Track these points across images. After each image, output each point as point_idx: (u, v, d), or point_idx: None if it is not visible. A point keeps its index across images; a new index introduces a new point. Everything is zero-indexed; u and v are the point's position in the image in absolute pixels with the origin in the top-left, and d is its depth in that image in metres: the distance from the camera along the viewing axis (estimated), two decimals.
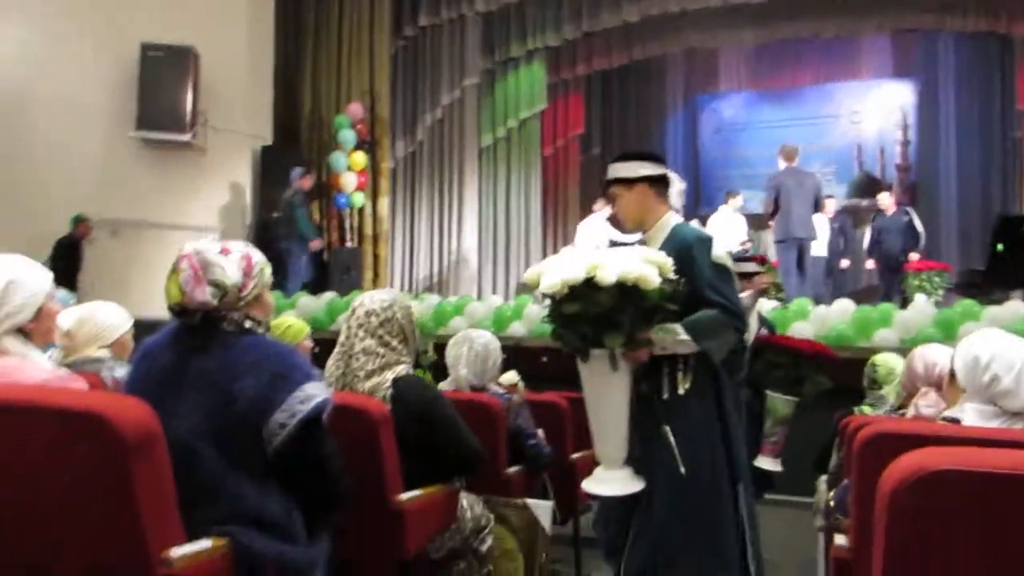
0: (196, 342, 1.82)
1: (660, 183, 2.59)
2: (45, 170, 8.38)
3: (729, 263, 2.48)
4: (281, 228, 8.67)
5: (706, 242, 2.47)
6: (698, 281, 2.37)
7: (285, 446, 1.73)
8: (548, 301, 2.25)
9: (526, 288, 11.28)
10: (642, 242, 2.59)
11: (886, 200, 9.06)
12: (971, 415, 1.90)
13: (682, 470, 2.32)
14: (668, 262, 2.23)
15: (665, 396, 2.39)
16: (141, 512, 1.51)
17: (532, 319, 6.93)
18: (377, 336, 2.47)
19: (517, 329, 6.89)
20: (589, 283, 2.09)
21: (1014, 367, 1.86)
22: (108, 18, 8.57)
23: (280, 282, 8.34)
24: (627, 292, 2.11)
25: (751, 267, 4.02)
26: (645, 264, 2.14)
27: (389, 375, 2.45)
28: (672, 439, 2.33)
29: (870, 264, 9.25)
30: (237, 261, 1.85)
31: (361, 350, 2.46)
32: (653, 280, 2.12)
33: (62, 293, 3.33)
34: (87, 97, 8.54)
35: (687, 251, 2.40)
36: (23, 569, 1.63)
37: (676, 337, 2.29)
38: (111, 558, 1.56)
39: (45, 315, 2.02)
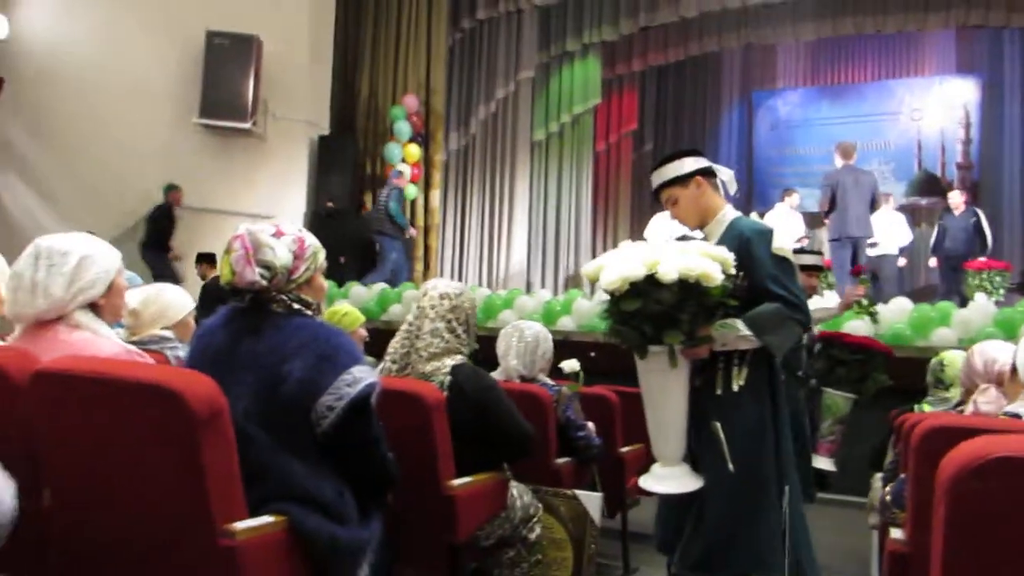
0: (248, 323, 1.85)
1: (711, 175, 2.55)
2: (114, 154, 8.69)
3: (790, 255, 2.41)
4: (375, 222, 8.92)
5: (766, 234, 2.42)
6: (758, 273, 2.32)
7: (333, 428, 1.75)
8: (605, 296, 2.23)
9: (575, 282, 11.35)
10: (702, 238, 2.55)
11: (956, 199, 8.82)
12: None
13: (731, 468, 2.29)
14: (730, 258, 2.19)
15: (719, 392, 2.35)
16: (207, 484, 1.56)
17: (581, 313, 6.93)
18: (446, 320, 2.52)
19: (566, 323, 6.90)
20: (650, 279, 2.07)
21: None
22: (176, 6, 8.81)
23: (357, 271, 8.68)
24: (688, 289, 2.07)
25: (812, 259, 3.93)
26: (707, 260, 2.10)
27: (448, 361, 2.49)
28: (723, 436, 2.30)
29: (933, 263, 9.05)
30: (289, 243, 1.87)
31: (429, 331, 2.51)
32: (715, 277, 2.09)
33: (129, 274, 3.44)
34: (154, 84, 8.81)
35: (746, 243, 2.35)
36: (94, 533, 1.70)
37: (738, 333, 2.25)
38: (177, 527, 1.62)
39: (115, 291, 2.08)
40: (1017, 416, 1.90)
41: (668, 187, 2.52)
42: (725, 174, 2.58)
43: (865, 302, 3.88)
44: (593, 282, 2.24)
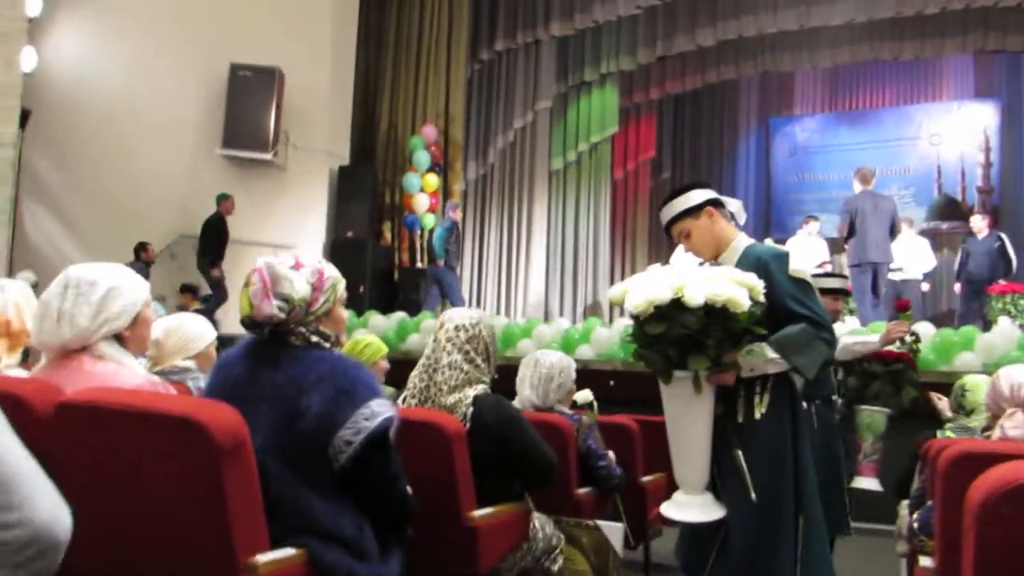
0: (267, 355, 1.84)
1: (720, 206, 2.53)
2: (138, 185, 8.82)
3: (808, 276, 2.37)
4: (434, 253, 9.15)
5: (782, 256, 2.39)
6: (779, 295, 2.29)
7: (351, 463, 1.73)
8: (627, 322, 2.22)
9: (594, 310, 11.32)
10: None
11: (978, 223, 8.75)
12: None
13: (752, 497, 2.24)
14: (759, 284, 2.16)
15: (740, 419, 2.31)
16: (230, 516, 1.56)
17: (600, 342, 6.91)
18: (464, 351, 2.51)
19: (585, 352, 6.88)
20: (676, 303, 2.04)
21: None
22: (201, 39, 8.98)
23: (377, 301, 8.73)
24: (715, 314, 2.05)
25: (837, 283, 3.89)
26: (734, 286, 2.07)
27: (470, 392, 2.48)
28: (744, 464, 2.26)
29: (957, 287, 8.97)
30: (307, 275, 1.86)
31: (447, 364, 2.50)
32: (743, 303, 2.06)
33: (154, 304, 3.46)
34: (179, 115, 8.96)
35: (764, 267, 2.32)
36: (117, 564, 1.70)
37: (766, 358, 2.21)
38: (200, 559, 1.62)
39: (141, 323, 2.09)
40: None
41: (680, 220, 2.51)
42: (733, 205, 2.57)
43: (909, 339, 3.81)
44: (618, 306, 2.22)
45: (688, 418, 2.20)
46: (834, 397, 3.73)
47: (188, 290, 8.18)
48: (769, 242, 9.35)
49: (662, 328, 2.04)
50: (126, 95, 8.92)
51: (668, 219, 2.53)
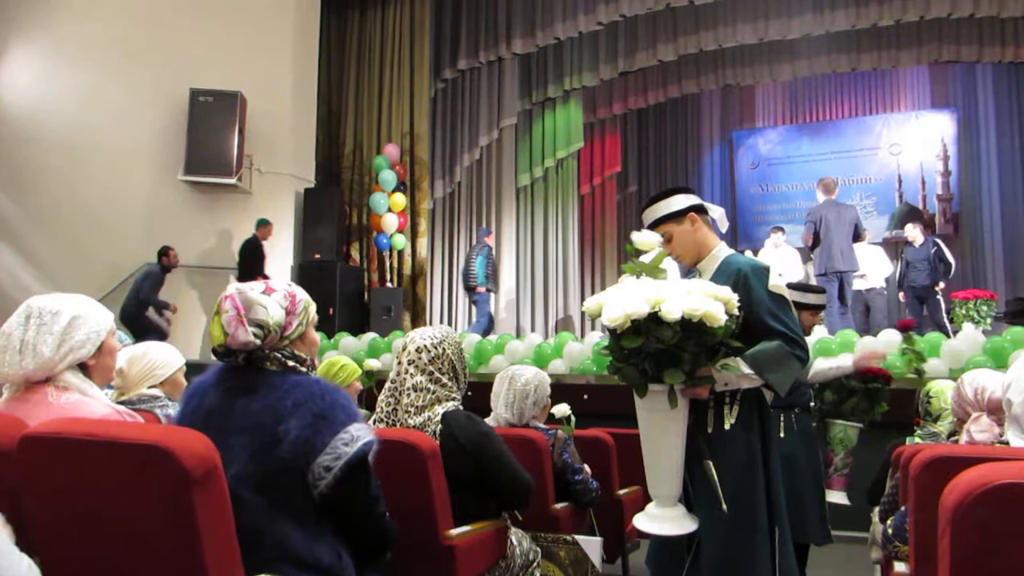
0: (241, 382, 1.81)
1: (703, 212, 2.53)
2: (99, 214, 8.68)
3: (786, 292, 2.38)
4: (468, 278, 9.53)
5: (763, 271, 2.40)
6: (757, 310, 2.30)
7: (331, 489, 1.70)
8: (598, 335, 2.21)
9: (565, 324, 11.35)
10: (696, 274, 2.53)
11: (912, 231, 9.00)
12: (1014, 442, 1.86)
13: (724, 507, 2.23)
14: (734, 298, 2.15)
15: (710, 430, 2.31)
16: (203, 546, 1.53)
17: (572, 356, 6.92)
18: (427, 372, 2.48)
19: (558, 366, 6.88)
20: (653, 317, 2.02)
21: None
22: (159, 65, 8.91)
23: (346, 323, 8.80)
24: (691, 328, 2.04)
25: (817, 299, 3.93)
26: (711, 300, 2.06)
27: (439, 410, 2.46)
28: (715, 475, 2.25)
29: (901, 296, 9.15)
30: (280, 299, 1.84)
31: (411, 386, 2.48)
32: (719, 318, 2.05)
33: (119, 334, 3.41)
34: (138, 141, 8.86)
35: (744, 280, 2.33)
36: None
37: (739, 372, 2.21)
38: None
39: (106, 352, 2.05)
40: (1007, 444, 1.90)
41: (662, 224, 2.50)
42: (716, 212, 2.58)
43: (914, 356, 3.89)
44: (594, 318, 2.20)
45: (662, 431, 2.19)
46: (812, 404, 3.77)
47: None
48: (749, 254, 9.52)
49: (639, 342, 2.02)
50: (84, 124, 8.80)
51: (650, 222, 2.52)
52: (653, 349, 2.04)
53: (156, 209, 8.78)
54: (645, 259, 2.30)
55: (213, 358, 1.91)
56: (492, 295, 9.89)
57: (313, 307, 1.94)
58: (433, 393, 2.47)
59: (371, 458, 1.80)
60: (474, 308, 9.73)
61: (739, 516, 2.26)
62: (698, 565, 2.30)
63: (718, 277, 2.41)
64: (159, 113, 8.86)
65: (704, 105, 14.02)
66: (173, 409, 2.71)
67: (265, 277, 8.06)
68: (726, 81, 12.17)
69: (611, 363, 2.18)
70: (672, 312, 2.00)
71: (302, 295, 1.91)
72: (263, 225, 8.52)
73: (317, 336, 1.98)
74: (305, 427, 1.71)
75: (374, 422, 2.55)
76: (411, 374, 2.49)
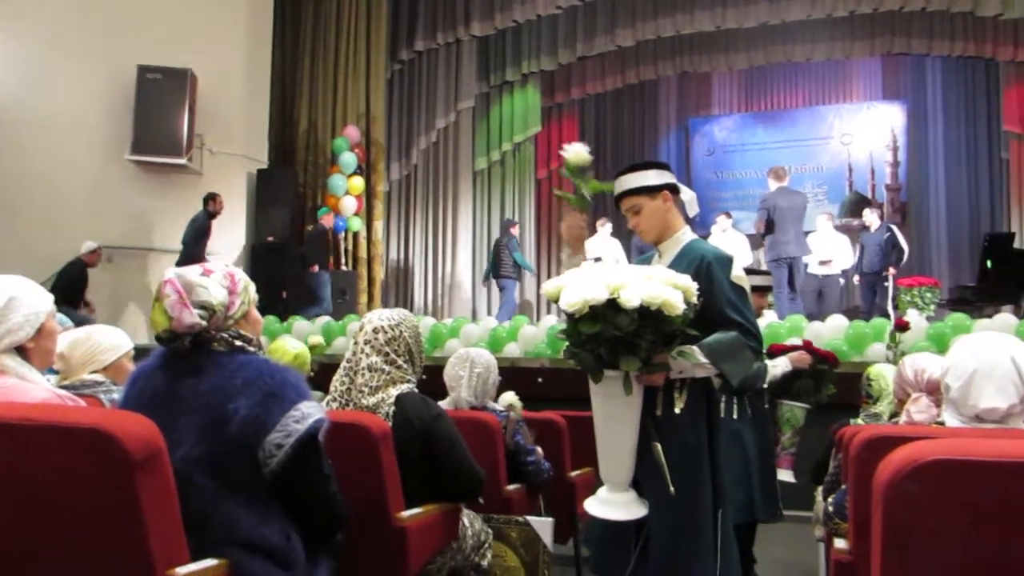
0: (188, 365, 1.78)
1: (676, 192, 2.52)
2: (44, 193, 8.40)
3: (747, 284, 2.38)
4: (501, 267, 9.78)
5: (727, 260, 2.39)
6: (717, 299, 2.30)
7: (281, 467, 1.69)
8: (563, 317, 2.17)
9: (521, 308, 11.41)
10: (657, 254, 2.53)
11: (869, 217, 9.17)
12: (949, 422, 1.92)
13: (671, 490, 2.24)
14: (693, 287, 2.14)
15: (658, 413, 2.32)
16: (147, 529, 1.50)
17: (527, 340, 6.94)
18: (383, 353, 2.48)
19: (512, 350, 6.90)
20: (611, 304, 2.01)
21: (962, 376, 1.87)
22: (106, 40, 8.63)
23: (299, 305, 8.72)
24: (649, 316, 2.02)
25: (763, 280, 4.01)
26: (670, 288, 2.05)
27: (393, 391, 2.46)
28: (663, 458, 2.26)
29: (856, 279, 9.34)
30: (220, 280, 1.83)
31: (366, 366, 2.47)
32: (678, 306, 2.04)
33: (60, 316, 3.32)
34: (83, 119, 8.58)
35: (707, 268, 2.33)
36: None
37: (696, 361, 2.21)
38: (117, 574, 1.56)
39: (46, 334, 2.00)
40: (943, 424, 1.96)
41: (634, 195, 2.46)
42: (688, 195, 2.58)
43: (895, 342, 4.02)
44: (552, 301, 2.18)
45: (616, 417, 2.19)
46: (765, 385, 3.86)
47: None
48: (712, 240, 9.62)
49: (596, 328, 2.01)
50: (26, 100, 8.50)
51: (623, 190, 2.48)
52: (610, 335, 2.03)
53: (102, 189, 8.54)
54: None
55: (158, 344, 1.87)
56: (516, 283, 10.14)
57: (252, 287, 1.93)
58: (388, 374, 2.47)
59: (322, 436, 1.79)
60: (500, 294, 10.09)
61: (688, 499, 2.28)
62: (646, 548, 2.32)
63: (679, 261, 2.41)
64: (105, 90, 8.59)
65: (661, 92, 14.10)
66: (119, 394, 2.65)
67: (202, 258, 7.92)
68: (683, 68, 12.26)
69: (567, 348, 2.17)
70: (631, 299, 1.99)
71: (241, 275, 1.90)
72: (212, 198, 8.22)
73: (259, 316, 1.97)
74: (255, 405, 1.70)
75: (328, 402, 2.54)
76: (367, 354, 2.48)
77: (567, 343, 2.18)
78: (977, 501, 1.12)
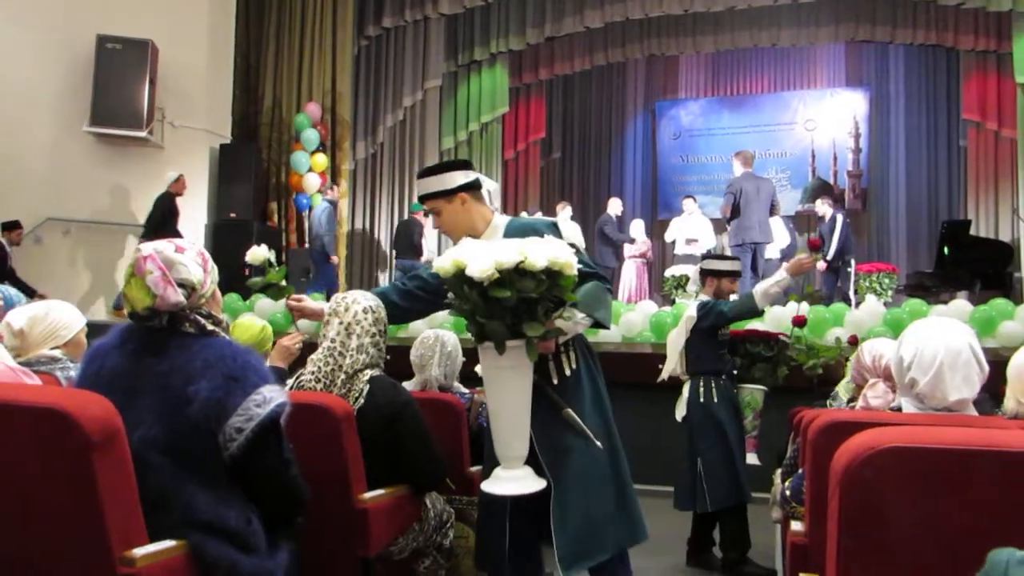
0: (150, 344, 1.76)
1: (476, 189, 2.57)
2: None
3: (579, 242, 2.49)
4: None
5: (555, 225, 2.52)
6: None
7: (241, 451, 1.68)
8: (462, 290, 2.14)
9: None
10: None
11: (821, 207, 9.36)
12: (907, 409, 1.96)
13: (599, 444, 2.33)
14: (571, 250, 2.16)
15: (555, 381, 2.38)
16: (104, 510, 1.49)
17: None
18: (371, 335, 2.51)
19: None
20: (516, 268, 2.00)
21: (930, 370, 1.89)
22: (64, 8, 8.39)
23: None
24: (550, 278, 2.04)
25: (732, 265, 4.07)
26: (565, 249, 2.07)
27: (368, 373, 2.49)
28: (577, 418, 2.33)
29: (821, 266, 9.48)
30: (195, 258, 1.83)
31: (356, 347, 2.48)
32: (575, 267, 2.08)
33: (13, 291, 3.26)
34: (39, 89, 8.35)
35: (539, 235, 2.30)
36: None
37: (575, 319, 2.28)
38: (73, 556, 1.54)
39: None
40: (899, 410, 1.99)
41: (432, 199, 2.54)
42: (491, 185, 2.65)
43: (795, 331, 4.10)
44: (446, 276, 2.13)
45: (512, 390, 2.16)
46: (735, 372, 3.96)
47: (12, 227, 7.75)
48: (676, 224, 9.70)
49: (507, 293, 1.98)
50: None
51: (421, 194, 2.58)
52: (514, 302, 2.01)
53: (59, 161, 8.33)
54: None
55: (115, 319, 1.84)
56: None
57: (216, 267, 1.93)
58: (371, 356, 2.51)
59: (283, 420, 1.79)
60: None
61: (608, 450, 2.39)
62: (568, 517, 2.32)
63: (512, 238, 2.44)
64: (63, 59, 8.36)
65: (629, 74, 14.10)
66: (75, 371, 2.61)
67: (178, 235, 7.80)
68: (651, 51, 12.26)
69: (472, 322, 2.13)
70: (538, 261, 1.99)
71: (208, 254, 1.90)
72: (176, 180, 8.09)
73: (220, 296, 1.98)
74: (216, 388, 1.68)
75: (302, 384, 2.50)
76: (357, 335, 2.48)
77: (473, 316, 2.11)
78: (932, 487, 1.16)
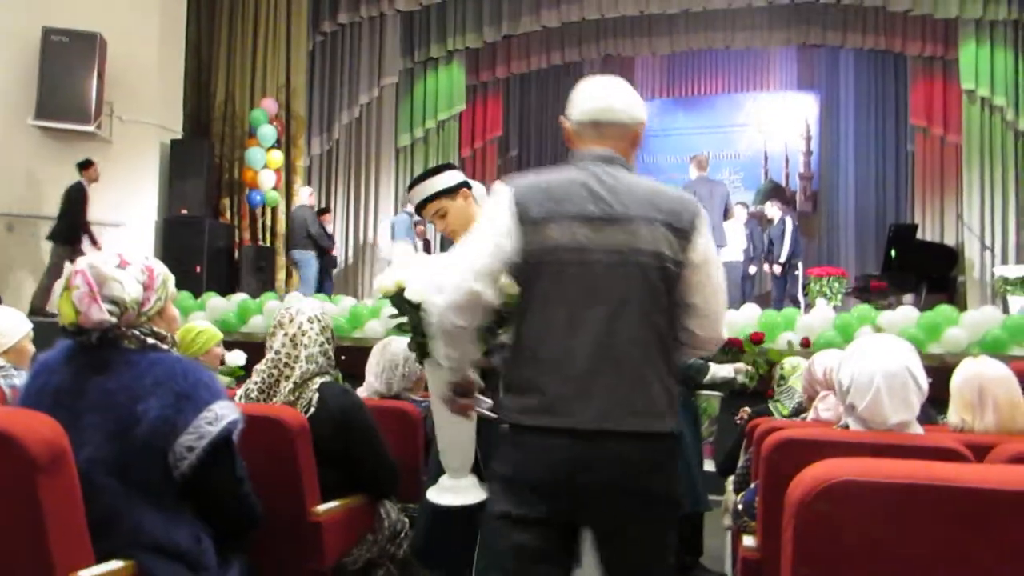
0: (95, 361, 1.71)
1: (469, 188, 2.59)
2: None
3: None
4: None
5: None
6: None
7: (192, 470, 1.65)
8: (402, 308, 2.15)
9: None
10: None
11: (771, 210, 9.53)
12: (854, 427, 1.99)
13: None
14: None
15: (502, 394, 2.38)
16: (48, 532, 1.46)
17: None
18: (319, 344, 2.49)
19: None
20: None
21: (867, 394, 1.92)
22: (7, 0, 8.14)
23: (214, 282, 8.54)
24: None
25: None
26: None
27: (319, 380, 2.47)
28: None
29: (767, 269, 9.64)
30: (136, 274, 1.75)
31: (305, 357, 2.46)
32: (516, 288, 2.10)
33: None
34: None
35: None
36: None
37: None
38: None
39: None
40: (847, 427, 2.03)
41: (436, 200, 2.52)
42: (479, 188, 2.65)
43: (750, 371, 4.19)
44: (387, 296, 2.12)
45: None
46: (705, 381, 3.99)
47: None
48: None
49: None
50: None
51: (424, 196, 2.53)
52: None
53: (4, 155, 8.09)
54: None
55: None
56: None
57: (172, 281, 1.86)
58: (320, 365, 2.49)
59: (236, 437, 1.75)
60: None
61: None
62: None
63: None
64: (7, 51, 8.12)
65: (586, 74, 13.86)
66: (20, 379, 2.55)
67: (86, 225, 7.59)
68: (607, 51, 12.32)
69: (412, 339, 2.15)
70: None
71: (160, 268, 1.83)
72: (87, 166, 7.74)
73: (176, 312, 1.91)
74: (166, 406, 1.64)
75: (246, 393, 2.48)
76: (305, 345, 2.45)
77: (413, 334, 2.15)
78: (885, 521, 1.19)
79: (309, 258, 9.14)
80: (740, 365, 3.96)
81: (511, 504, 1.64)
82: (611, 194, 1.70)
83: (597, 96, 1.94)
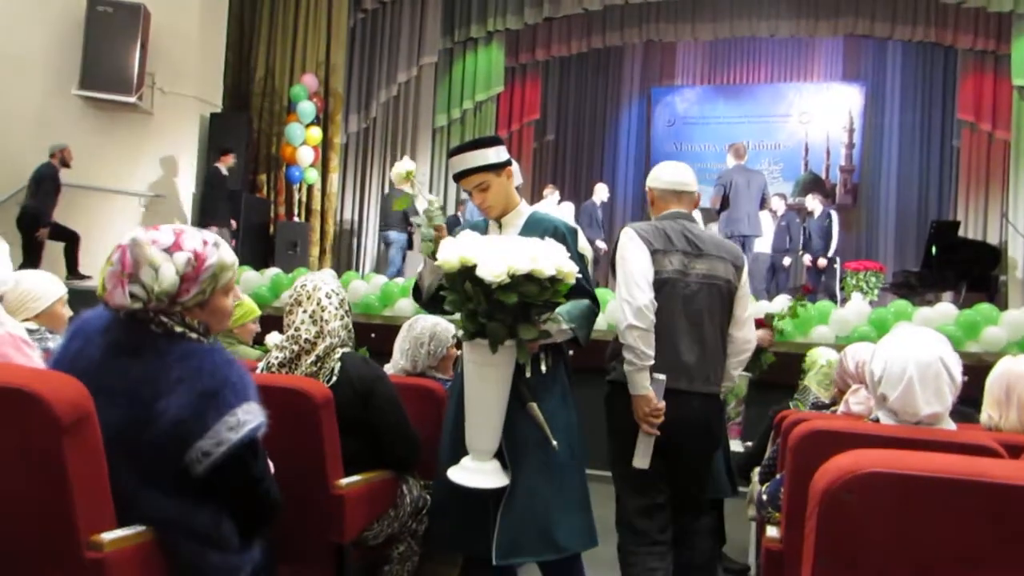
0: (126, 339, 1.64)
1: (511, 166, 2.60)
2: None
3: (589, 254, 2.67)
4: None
5: (574, 232, 2.56)
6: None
7: (209, 473, 1.58)
8: (464, 288, 2.15)
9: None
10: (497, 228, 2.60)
11: (811, 203, 9.38)
12: (884, 420, 1.95)
13: (554, 444, 2.33)
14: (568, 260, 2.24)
15: (528, 375, 2.38)
16: (73, 494, 1.47)
17: None
18: (338, 317, 2.50)
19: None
20: (528, 274, 2.05)
21: (899, 385, 1.88)
22: None
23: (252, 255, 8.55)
24: (554, 284, 2.10)
25: None
26: (566, 258, 2.15)
27: (341, 351, 2.49)
28: (540, 415, 2.34)
29: (807, 261, 9.51)
30: (181, 263, 1.64)
31: (328, 332, 2.47)
32: (573, 276, 2.16)
33: None
34: (28, 50, 8.22)
35: (562, 239, 2.39)
36: None
37: (560, 327, 2.31)
38: (40, 539, 1.52)
39: None
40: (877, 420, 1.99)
41: (481, 172, 2.51)
42: (515, 168, 2.65)
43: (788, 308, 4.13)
44: (451, 271, 2.12)
45: (492, 385, 2.22)
46: None
47: None
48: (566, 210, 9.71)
49: (514, 298, 2.03)
50: None
51: (469, 167, 2.52)
52: (521, 304, 2.07)
53: (47, 123, 8.20)
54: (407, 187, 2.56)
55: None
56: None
57: (228, 273, 1.73)
58: (340, 338, 2.50)
59: (259, 437, 1.68)
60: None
61: (567, 452, 2.40)
62: (519, 510, 2.33)
63: (528, 232, 2.46)
64: (53, 21, 8.22)
65: (626, 59, 14.03)
66: (55, 342, 2.56)
67: (51, 207, 7.53)
68: (648, 36, 12.17)
69: (470, 319, 2.14)
70: (547, 269, 2.05)
71: (215, 258, 1.69)
72: (61, 148, 7.69)
73: (230, 305, 1.78)
74: (186, 407, 1.56)
75: (267, 366, 2.49)
76: (326, 320, 2.47)
77: (470, 314, 2.14)
78: (911, 514, 1.16)
79: (404, 240, 9.28)
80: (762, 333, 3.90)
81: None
82: (696, 239, 2.58)
83: (675, 173, 2.73)
